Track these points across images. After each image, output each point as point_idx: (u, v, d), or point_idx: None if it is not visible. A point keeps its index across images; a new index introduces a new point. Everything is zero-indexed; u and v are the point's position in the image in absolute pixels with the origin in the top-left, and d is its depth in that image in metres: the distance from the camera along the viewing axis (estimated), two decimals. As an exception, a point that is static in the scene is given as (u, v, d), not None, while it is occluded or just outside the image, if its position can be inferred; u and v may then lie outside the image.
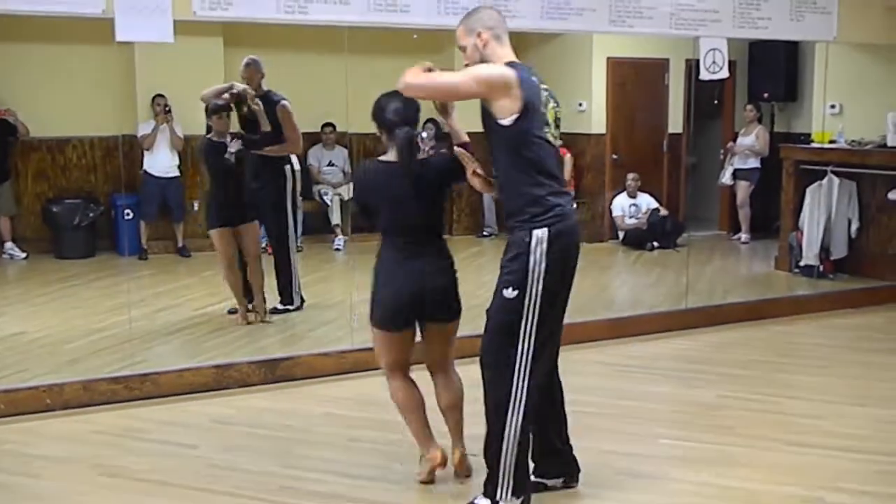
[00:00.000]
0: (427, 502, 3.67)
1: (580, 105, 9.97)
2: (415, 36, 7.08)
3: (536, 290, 3.33)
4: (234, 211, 6.09)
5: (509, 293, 3.34)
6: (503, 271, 3.37)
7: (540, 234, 3.32)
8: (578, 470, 3.76)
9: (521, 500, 3.46)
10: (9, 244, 8.56)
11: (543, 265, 3.33)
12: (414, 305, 3.60)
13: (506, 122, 3.31)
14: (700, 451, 4.19)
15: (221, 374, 5.06)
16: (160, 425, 4.53)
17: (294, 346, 5.64)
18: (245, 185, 6.21)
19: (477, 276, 6.14)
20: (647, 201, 9.75)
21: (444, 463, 3.73)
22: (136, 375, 4.96)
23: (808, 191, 7.82)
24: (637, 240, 9.52)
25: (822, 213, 7.70)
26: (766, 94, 10.01)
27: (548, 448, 3.68)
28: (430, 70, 3.42)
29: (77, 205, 8.67)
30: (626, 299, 7.57)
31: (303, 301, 6.55)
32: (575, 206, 3.67)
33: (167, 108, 8.50)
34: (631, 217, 9.73)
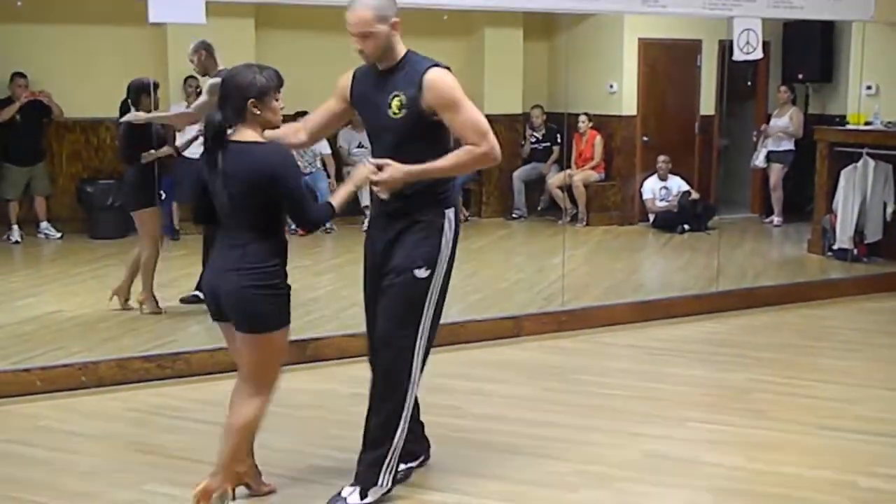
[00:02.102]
0: (450, 483, 3.68)
1: (611, 87, 9.91)
2: (445, 17, 7.07)
3: (442, 270, 3.38)
4: None
5: (422, 273, 3.33)
6: (412, 249, 3.33)
7: (450, 214, 3.38)
8: (430, 446, 3.78)
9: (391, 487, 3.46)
10: (44, 224, 8.68)
11: (451, 245, 3.39)
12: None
13: (437, 118, 3.30)
14: (731, 435, 4.18)
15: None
16: (192, 403, 4.59)
17: (323, 328, 5.67)
18: None
19: (507, 258, 6.15)
20: (677, 184, 9.68)
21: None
22: (168, 354, 5.02)
23: (843, 173, 7.72)
24: (668, 222, 9.45)
25: (857, 195, 7.60)
26: (800, 75, 9.88)
27: (417, 429, 3.66)
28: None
29: (111, 185, 8.75)
30: (656, 282, 7.53)
31: None
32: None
33: (199, 90, 8.53)
34: (661, 200, 9.66)
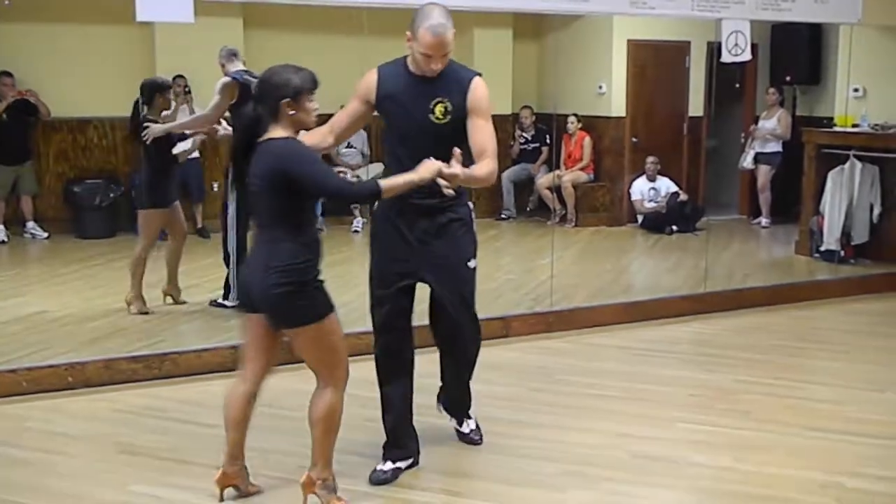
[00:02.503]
0: (440, 483, 3.68)
1: (600, 88, 9.93)
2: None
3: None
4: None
5: (472, 263, 3.68)
6: (459, 243, 3.63)
7: (471, 210, 3.72)
8: (419, 451, 3.91)
9: None
10: (30, 224, 8.64)
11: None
12: None
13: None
14: (718, 436, 4.19)
15: (240, 355, 5.08)
16: (180, 404, 4.57)
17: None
18: None
19: (495, 259, 6.16)
20: (666, 185, 9.70)
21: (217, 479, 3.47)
22: (156, 355, 5.00)
23: (830, 175, 7.75)
24: (656, 223, 9.48)
25: (844, 197, 7.63)
26: (788, 78, 9.92)
27: (412, 431, 3.91)
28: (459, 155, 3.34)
29: (98, 185, 8.74)
30: (644, 283, 7.54)
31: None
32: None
33: (187, 89, 8.52)
34: (650, 200, 9.68)
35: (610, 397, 4.66)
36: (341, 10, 5.62)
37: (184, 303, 6.25)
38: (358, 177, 9.11)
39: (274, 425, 4.26)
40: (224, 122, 6.04)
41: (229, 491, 3.51)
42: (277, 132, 3.19)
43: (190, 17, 4.83)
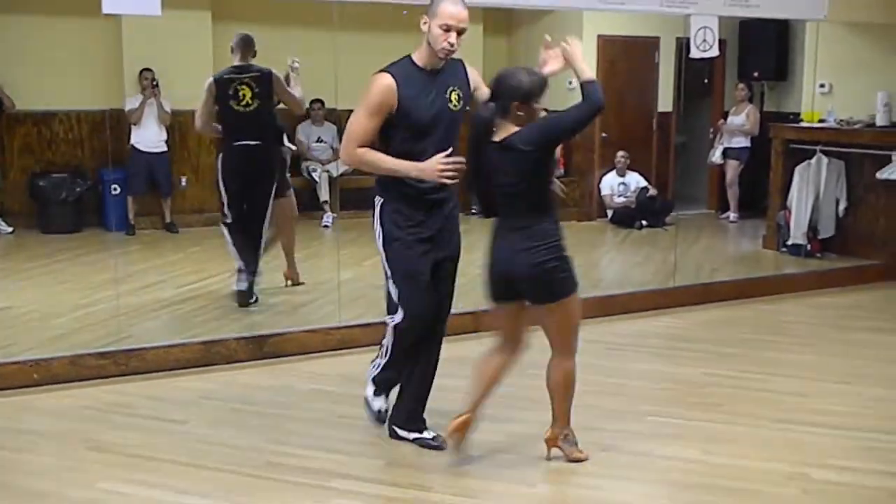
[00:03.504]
0: (410, 478, 3.68)
1: (570, 83, 9.84)
2: (405, 12, 7.02)
3: None
4: None
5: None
6: (457, 236, 3.91)
7: None
8: None
9: None
10: (-6, 218, 8.52)
11: None
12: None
13: None
14: (687, 428, 4.22)
15: (209, 351, 5.06)
16: (148, 401, 4.53)
17: (282, 323, 5.63)
18: None
19: (466, 253, 6.11)
20: (635, 180, 9.75)
21: (452, 429, 3.75)
22: (123, 351, 4.95)
23: (797, 170, 7.83)
24: (626, 218, 9.53)
25: (811, 192, 7.72)
26: (756, 73, 10.01)
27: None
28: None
29: (64, 179, 8.62)
30: (614, 277, 7.58)
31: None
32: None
33: (155, 83, 8.44)
34: (620, 195, 9.73)
35: (580, 391, 4.63)
36: (311, 3, 5.60)
37: (302, 283, 6.54)
38: (328, 171, 9.08)
39: (243, 421, 4.24)
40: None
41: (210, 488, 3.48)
42: (509, 130, 3.47)
43: (157, 10, 4.77)
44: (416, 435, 3.92)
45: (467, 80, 3.73)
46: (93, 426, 4.19)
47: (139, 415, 4.35)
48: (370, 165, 3.63)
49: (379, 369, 3.96)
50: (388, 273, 3.77)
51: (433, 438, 3.90)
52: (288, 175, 6.45)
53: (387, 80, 3.56)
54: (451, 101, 3.65)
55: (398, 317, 3.79)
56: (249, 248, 6.04)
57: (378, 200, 3.73)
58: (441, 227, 3.77)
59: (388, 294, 3.84)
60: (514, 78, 3.48)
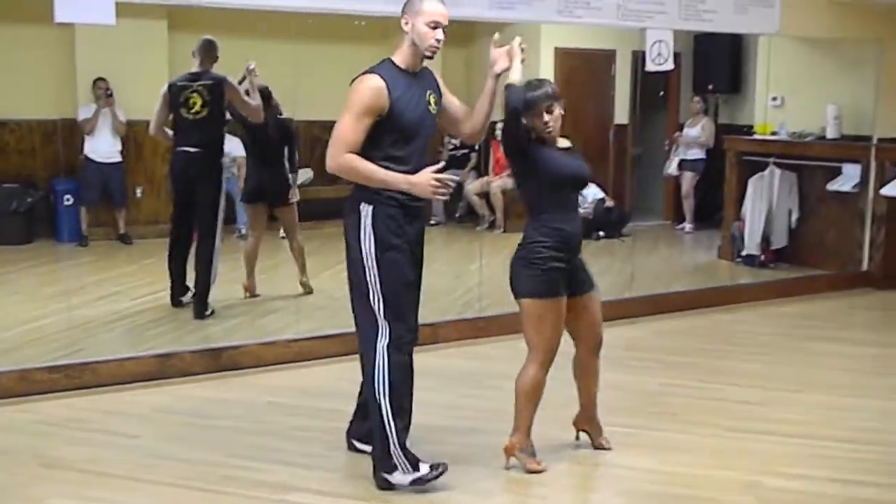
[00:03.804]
0: (369, 491, 3.65)
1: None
2: (362, 23, 7.03)
3: None
4: None
5: None
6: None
7: None
8: None
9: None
10: (-57, 230, 8.33)
11: None
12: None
13: None
14: (644, 438, 4.25)
15: (163, 364, 4.99)
16: (101, 415, 4.45)
17: (238, 335, 5.57)
18: None
19: (425, 265, 6.16)
20: (593, 191, 9.81)
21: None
22: (75, 364, 4.86)
23: (751, 181, 7.95)
24: (583, 229, 9.56)
25: (764, 203, 7.84)
26: (710, 86, 10.15)
27: None
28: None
29: (14, 189, 8.46)
30: (572, 288, 7.60)
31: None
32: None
33: (109, 92, 8.34)
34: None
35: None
36: (270, 14, 5.56)
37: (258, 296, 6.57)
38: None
39: (198, 435, 4.19)
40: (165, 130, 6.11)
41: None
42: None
43: (111, 19, 4.70)
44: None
45: (438, 85, 3.75)
46: (44, 441, 4.11)
47: (91, 429, 4.27)
48: (358, 175, 3.44)
49: (392, 430, 3.54)
50: (376, 285, 3.50)
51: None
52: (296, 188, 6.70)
53: (377, 82, 3.44)
54: (430, 103, 3.63)
55: (384, 338, 3.51)
56: (180, 261, 6.11)
57: (365, 207, 3.50)
58: (417, 235, 3.67)
59: (363, 321, 3.56)
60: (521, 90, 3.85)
